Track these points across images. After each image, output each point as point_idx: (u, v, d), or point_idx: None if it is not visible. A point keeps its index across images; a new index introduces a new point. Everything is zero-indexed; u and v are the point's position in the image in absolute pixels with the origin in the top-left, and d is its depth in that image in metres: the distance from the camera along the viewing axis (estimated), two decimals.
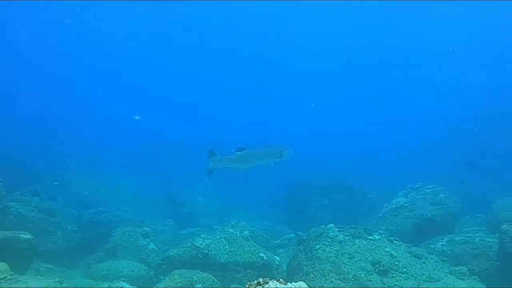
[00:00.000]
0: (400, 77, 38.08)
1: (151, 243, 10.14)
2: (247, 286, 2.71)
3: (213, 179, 7.72)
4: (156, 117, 33.73)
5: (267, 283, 2.61)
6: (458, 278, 7.93)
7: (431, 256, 9.15)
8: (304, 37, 39.56)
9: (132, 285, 7.03)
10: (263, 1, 36.15)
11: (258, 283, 2.64)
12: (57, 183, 15.18)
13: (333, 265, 8.14)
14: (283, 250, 11.86)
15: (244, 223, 10.98)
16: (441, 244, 9.78)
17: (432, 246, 9.91)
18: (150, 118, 33.01)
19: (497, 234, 8.83)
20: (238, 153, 7.72)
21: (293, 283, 2.63)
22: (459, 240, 9.59)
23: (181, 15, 37.25)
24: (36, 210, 10.54)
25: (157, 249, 10.07)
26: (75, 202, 14.86)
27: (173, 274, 7.19)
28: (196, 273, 7.43)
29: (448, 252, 9.46)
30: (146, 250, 9.85)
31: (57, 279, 7.04)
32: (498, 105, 21.70)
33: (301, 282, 2.65)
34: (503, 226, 8.15)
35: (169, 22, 37.93)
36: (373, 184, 16.98)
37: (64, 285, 6.86)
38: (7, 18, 33.49)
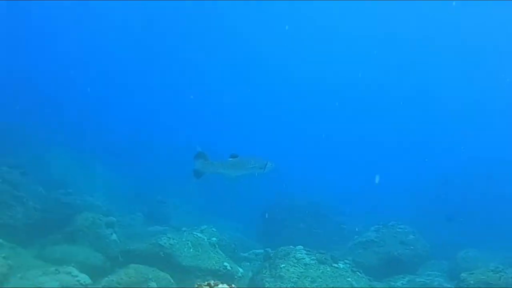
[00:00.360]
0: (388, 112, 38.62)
1: (114, 234, 9.88)
2: (197, 285, 2.70)
3: (200, 182, 7.57)
4: (148, 115, 33.52)
5: (217, 285, 2.60)
6: None
7: None
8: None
9: (83, 273, 6.81)
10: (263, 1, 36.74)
11: (209, 285, 2.63)
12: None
13: (294, 286, 8.14)
14: (248, 263, 11.77)
15: (214, 229, 10.85)
16: (401, 283, 9.90)
17: (393, 283, 10.01)
18: (141, 115, 32.77)
19: (455, 282, 9.00)
20: (230, 159, 7.65)
21: None
22: (419, 281, 9.74)
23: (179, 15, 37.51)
24: (1, 180, 10.19)
25: (118, 241, 9.80)
26: (47, 182, 14.50)
27: (129, 267, 7.05)
28: (153, 271, 7.30)
29: None
30: (107, 240, 9.56)
31: (3, 255, 6.76)
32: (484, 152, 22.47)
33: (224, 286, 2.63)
34: (462, 274, 8.35)
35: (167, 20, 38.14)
36: (349, 216, 17.11)
37: (9, 262, 6.60)
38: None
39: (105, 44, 40.45)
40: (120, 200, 16.58)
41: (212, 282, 2.65)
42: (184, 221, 15.69)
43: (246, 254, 12.22)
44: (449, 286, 9.46)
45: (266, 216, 14.05)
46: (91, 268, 8.08)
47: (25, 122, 20.11)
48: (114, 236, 9.97)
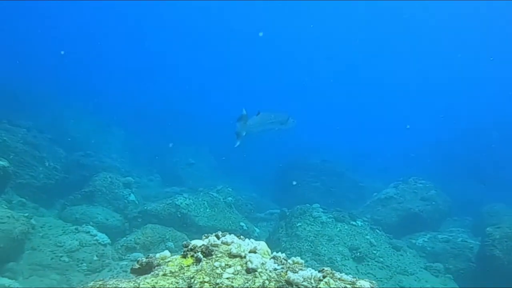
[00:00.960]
0: (405, 77, 37.33)
1: (132, 194, 9.95)
2: (204, 236, 2.51)
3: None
4: (165, 82, 33.18)
5: (225, 235, 2.40)
6: (432, 274, 7.87)
7: (410, 250, 9.08)
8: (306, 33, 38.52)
9: (103, 233, 6.88)
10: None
11: (217, 236, 2.43)
12: None
13: (311, 244, 8.05)
14: (265, 223, 11.76)
15: (230, 189, 10.82)
16: (423, 240, 9.66)
17: (414, 241, 9.79)
18: (159, 83, 32.43)
19: (480, 237, 8.71)
20: (255, 116, 7.47)
21: (252, 240, 2.40)
22: (441, 238, 9.47)
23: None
24: (21, 141, 10.25)
25: (136, 202, 9.89)
26: (67, 143, 14.63)
27: (146, 228, 7.06)
28: (170, 231, 7.31)
29: (428, 248, 9.34)
30: (125, 201, 9.66)
31: (26, 214, 6.86)
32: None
33: (263, 242, 2.41)
34: (488, 229, 8.02)
35: None
36: (366, 175, 16.75)
37: (32, 221, 6.70)
38: None
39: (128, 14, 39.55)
40: (138, 162, 16.73)
41: (220, 233, 2.46)
42: (200, 182, 15.76)
43: (262, 214, 12.21)
44: (473, 241, 9.17)
45: (294, 183, 13.73)
46: (110, 229, 8.20)
47: (45, 86, 20.13)
48: (132, 197, 10.04)
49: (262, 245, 2.32)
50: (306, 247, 7.99)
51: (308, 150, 17.25)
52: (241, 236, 2.45)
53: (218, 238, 2.41)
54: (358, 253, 7.89)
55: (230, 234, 2.39)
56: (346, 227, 8.61)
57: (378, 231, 8.90)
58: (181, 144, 18.76)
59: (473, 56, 33.41)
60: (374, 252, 8.06)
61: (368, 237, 8.45)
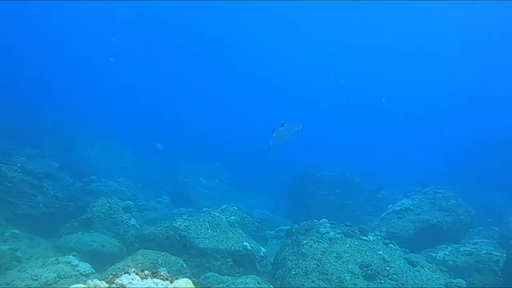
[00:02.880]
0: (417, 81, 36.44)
1: (132, 219, 9.70)
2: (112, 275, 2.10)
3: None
4: (168, 98, 33.61)
5: (119, 276, 1.98)
6: None
7: (429, 265, 8.32)
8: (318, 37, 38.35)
9: (99, 261, 6.59)
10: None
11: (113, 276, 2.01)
12: None
13: (318, 263, 7.48)
14: (275, 241, 11.26)
15: (235, 208, 10.41)
16: (444, 253, 8.90)
17: (434, 254, 9.05)
18: (163, 99, 32.91)
19: (506, 249, 7.90)
20: (281, 128, 7.67)
21: (162, 281, 1.98)
22: (464, 251, 8.67)
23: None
24: (19, 170, 10.27)
25: (137, 226, 9.61)
26: (75, 169, 14.73)
27: (136, 254, 6.72)
28: (163, 256, 6.92)
29: (450, 262, 8.58)
30: (125, 226, 9.41)
31: (13, 246, 6.68)
32: None
33: (185, 280, 2.00)
34: None
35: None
36: (383, 186, 16.00)
37: (18, 253, 6.50)
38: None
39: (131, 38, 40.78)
40: (148, 184, 16.67)
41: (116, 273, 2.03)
42: (211, 201, 15.48)
43: (273, 232, 11.71)
44: (499, 253, 8.33)
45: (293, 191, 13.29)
46: (107, 255, 7.91)
47: (54, 113, 20.64)
48: (132, 221, 9.79)
49: (180, 284, 1.88)
50: (313, 266, 7.43)
51: (319, 162, 16.70)
52: (163, 274, 2.00)
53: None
54: (370, 271, 7.25)
55: (131, 273, 1.95)
56: (356, 242, 8.01)
57: (392, 245, 8.24)
58: (192, 162, 18.63)
59: (493, 59, 32.28)
60: (388, 268, 7.39)
61: (380, 252, 7.80)
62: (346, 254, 7.66)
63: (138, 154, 20.04)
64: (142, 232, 8.39)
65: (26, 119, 18.03)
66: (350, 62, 38.49)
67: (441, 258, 8.75)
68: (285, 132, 7.75)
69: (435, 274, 7.64)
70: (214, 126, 25.81)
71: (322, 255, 7.64)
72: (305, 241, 8.04)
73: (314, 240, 8.04)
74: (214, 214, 9.18)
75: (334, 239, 8.04)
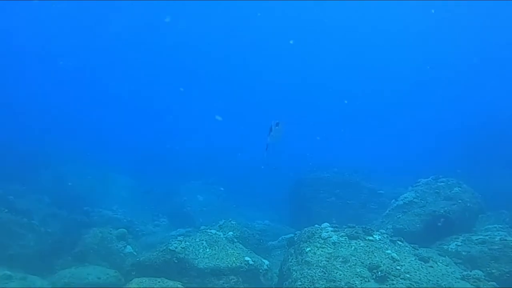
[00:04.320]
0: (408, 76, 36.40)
1: (128, 246, 9.26)
2: None
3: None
4: (155, 118, 33.27)
5: None
6: (472, 284, 6.65)
7: (442, 258, 7.89)
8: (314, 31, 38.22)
9: None
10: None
11: None
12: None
13: (324, 270, 7.03)
14: (279, 251, 10.80)
15: (234, 223, 9.97)
16: (456, 244, 8.46)
17: (445, 247, 8.60)
18: (148, 119, 32.56)
19: None
20: (277, 127, 7.52)
21: None
22: (477, 239, 8.25)
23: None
24: (6, 210, 9.85)
25: (134, 253, 9.19)
26: (67, 201, 14.29)
27: (131, 283, 6.28)
28: (159, 282, 6.48)
29: (463, 253, 8.14)
30: (121, 254, 8.98)
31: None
32: None
33: None
34: None
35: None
36: (384, 181, 15.61)
37: None
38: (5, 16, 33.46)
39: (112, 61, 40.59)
40: (144, 208, 16.19)
41: None
42: (211, 217, 15.02)
43: (275, 242, 11.26)
44: None
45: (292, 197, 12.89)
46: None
47: (43, 145, 20.18)
48: (128, 249, 9.34)
49: None
50: (319, 274, 6.98)
51: (315, 165, 16.34)
52: None
53: None
54: (380, 272, 6.81)
55: None
56: (362, 244, 7.58)
57: (400, 242, 7.82)
58: (187, 181, 18.22)
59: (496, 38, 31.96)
60: (398, 268, 6.95)
61: (388, 251, 7.38)
62: (353, 257, 7.22)
63: (132, 178, 19.60)
64: (138, 259, 7.94)
65: (13, 153, 17.56)
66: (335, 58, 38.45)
67: (453, 250, 8.31)
68: (280, 131, 7.57)
69: (450, 267, 7.21)
70: (205, 141, 25.45)
71: (328, 261, 7.20)
72: (308, 249, 7.60)
73: (317, 247, 7.61)
74: (211, 232, 8.75)
75: (338, 243, 7.62)
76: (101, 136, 25.92)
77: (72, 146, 22.04)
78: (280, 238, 11.46)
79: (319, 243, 7.71)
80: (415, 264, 7.09)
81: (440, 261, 7.55)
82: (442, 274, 6.90)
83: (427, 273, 6.85)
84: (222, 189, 18.57)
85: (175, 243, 8.03)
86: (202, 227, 10.46)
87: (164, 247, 8.06)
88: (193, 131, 28.50)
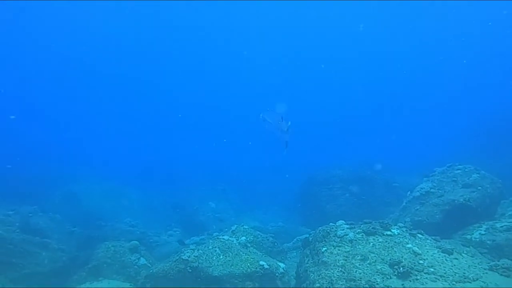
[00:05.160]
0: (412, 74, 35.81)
1: (142, 258, 9.10)
2: None
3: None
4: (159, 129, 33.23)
5: None
6: (501, 275, 6.28)
7: (467, 249, 7.53)
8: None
9: None
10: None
11: None
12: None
13: (342, 270, 6.74)
14: (295, 253, 10.53)
15: (246, 227, 9.72)
16: (479, 233, 8.09)
17: (469, 237, 8.24)
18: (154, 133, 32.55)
19: None
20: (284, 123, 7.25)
21: None
22: (501, 226, 7.86)
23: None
24: (18, 231, 9.81)
25: (148, 264, 9.02)
26: (80, 217, 14.28)
27: None
28: None
29: (488, 242, 7.76)
30: (135, 267, 8.82)
31: None
32: None
33: None
34: None
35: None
36: (398, 172, 15.21)
37: None
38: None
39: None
40: (157, 220, 16.07)
41: None
42: (224, 223, 14.88)
43: (290, 244, 10.98)
44: None
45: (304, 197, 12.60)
46: None
47: (51, 165, 20.27)
48: (142, 261, 9.18)
49: None
50: (337, 274, 6.68)
51: (325, 162, 16.01)
52: None
53: None
54: (401, 268, 6.48)
55: None
56: (380, 239, 7.26)
57: (420, 235, 7.47)
58: (197, 189, 18.07)
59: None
60: (421, 262, 6.62)
61: (409, 245, 7.05)
62: (372, 254, 6.91)
63: (143, 191, 19.56)
64: (151, 271, 7.77)
65: (24, 175, 17.67)
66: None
67: (477, 239, 7.94)
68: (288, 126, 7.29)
69: (476, 258, 6.84)
70: (211, 148, 25.31)
71: (345, 260, 6.90)
72: (324, 248, 7.31)
73: (333, 246, 7.32)
74: (223, 239, 8.52)
75: (355, 240, 7.31)
76: (109, 151, 25.99)
77: (81, 164, 22.12)
78: (295, 239, 11.18)
79: (335, 241, 7.41)
80: (439, 257, 6.75)
81: (465, 252, 7.18)
82: (469, 265, 6.55)
83: (452, 266, 6.51)
84: (233, 194, 18.37)
85: (188, 252, 7.83)
86: (215, 234, 10.26)
87: (177, 257, 7.87)
88: (198, 138, 28.41)
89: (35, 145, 24.25)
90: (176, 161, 23.16)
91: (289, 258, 10.14)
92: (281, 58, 39.69)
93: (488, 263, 6.65)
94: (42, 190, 16.88)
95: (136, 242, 9.69)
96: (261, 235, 9.78)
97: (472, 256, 6.98)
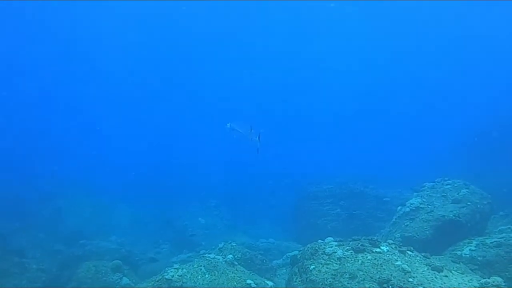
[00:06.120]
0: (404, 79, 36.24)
1: (124, 278, 8.80)
2: None
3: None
4: (149, 142, 32.74)
5: None
6: None
7: (457, 265, 7.41)
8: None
9: None
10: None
11: None
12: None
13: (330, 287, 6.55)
14: (284, 270, 10.28)
15: (234, 244, 9.51)
16: (469, 249, 7.97)
17: (459, 253, 8.12)
18: (144, 145, 32.05)
19: None
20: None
21: None
22: (491, 242, 7.76)
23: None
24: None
25: (132, 284, 8.72)
26: (65, 235, 13.90)
27: None
28: None
29: (479, 258, 7.65)
30: (118, 287, 8.51)
31: None
32: None
33: None
34: None
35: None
36: (387, 186, 15.14)
37: None
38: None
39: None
40: (145, 236, 15.70)
41: None
42: (214, 240, 14.50)
43: (280, 261, 10.74)
44: None
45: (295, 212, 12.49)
46: None
47: (35, 180, 19.80)
48: (125, 280, 8.88)
49: None
50: None
51: (316, 176, 15.89)
52: None
53: None
54: (390, 286, 6.31)
55: None
56: (369, 257, 7.09)
57: (409, 252, 7.32)
58: (188, 205, 17.78)
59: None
60: (410, 280, 6.45)
61: (398, 263, 6.88)
62: (361, 272, 6.73)
63: (133, 206, 19.17)
64: None
65: (10, 192, 17.23)
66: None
67: (467, 256, 7.82)
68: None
69: (466, 276, 6.69)
70: (201, 162, 24.94)
71: (334, 278, 6.71)
72: (312, 266, 7.12)
73: (321, 264, 7.12)
74: (209, 257, 8.29)
75: (344, 257, 7.13)
76: (94, 167, 25.44)
77: (70, 179, 21.67)
78: (285, 256, 10.96)
79: (323, 259, 7.23)
80: (428, 275, 6.59)
81: (455, 269, 7.05)
82: (458, 283, 6.39)
83: (442, 284, 6.34)
84: (224, 209, 18.10)
85: (171, 272, 7.57)
86: (202, 251, 10.01)
87: (160, 277, 7.60)
88: (188, 152, 28.13)
89: (22, 159, 23.78)
90: (169, 172, 22.85)
91: (278, 275, 9.90)
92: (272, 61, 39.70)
93: (479, 281, 6.50)
94: (29, 207, 16.47)
95: (119, 261, 9.39)
96: (249, 252, 9.56)
97: (462, 273, 6.83)
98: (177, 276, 7.51)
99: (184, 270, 7.73)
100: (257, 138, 7.21)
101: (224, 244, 9.52)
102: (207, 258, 8.21)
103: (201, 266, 7.96)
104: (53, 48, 34.80)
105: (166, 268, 7.83)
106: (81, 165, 24.39)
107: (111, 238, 13.38)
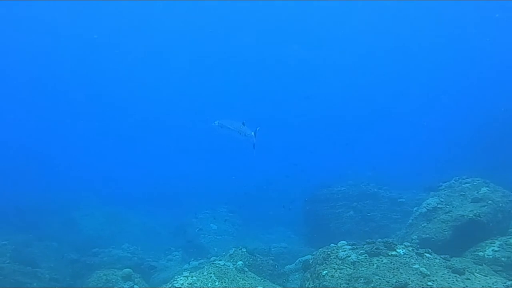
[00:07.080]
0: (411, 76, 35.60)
1: (135, 286, 8.66)
2: None
3: None
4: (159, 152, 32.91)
5: None
6: None
7: (479, 267, 7.01)
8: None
9: None
10: None
11: None
12: None
13: None
14: (297, 275, 9.99)
15: (244, 250, 9.27)
16: (492, 250, 7.56)
17: (481, 254, 7.70)
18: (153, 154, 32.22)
19: None
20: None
21: None
22: None
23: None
24: (8, 261, 9.48)
25: None
26: (78, 244, 13.90)
27: None
28: None
29: (503, 259, 7.24)
30: None
31: None
32: None
33: None
34: None
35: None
36: (401, 187, 14.69)
37: None
38: None
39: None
40: (157, 244, 15.60)
41: None
42: (226, 246, 14.33)
43: (292, 265, 10.44)
44: None
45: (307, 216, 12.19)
46: None
47: (48, 191, 19.98)
48: None
49: None
50: None
51: (328, 179, 15.54)
52: None
53: None
54: None
55: None
56: (384, 260, 6.77)
57: (428, 254, 6.97)
58: (199, 211, 17.64)
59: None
60: (430, 284, 6.10)
61: (416, 266, 6.54)
62: (376, 277, 6.41)
63: (146, 214, 19.18)
64: None
65: (19, 203, 17.39)
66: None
67: (490, 256, 7.41)
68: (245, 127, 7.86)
69: (490, 278, 6.31)
70: (211, 169, 24.90)
71: (348, 283, 6.42)
72: (325, 272, 6.83)
73: (334, 268, 6.83)
74: (219, 264, 8.08)
75: (358, 262, 6.83)
76: (109, 175, 25.65)
77: (82, 190, 21.82)
78: (297, 261, 10.66)
79: (336, 264, 6.93)
80: (449, 278, 6.23)
81: (477, 271, 6.66)
82: (482, 286, 6.01)
83: (464, 287, 5.98)
84: (236, 214, 17.90)
85: (181, 280, 7.38)
86: (212, 258, 9.81)
87: (170, 285, 7.41)
88: (197, 160, 28.10)
89: (35, 171, 24.10)
90: (180, 181, 22.84)
91: (291, 281, 9.62)
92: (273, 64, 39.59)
93: (504, 283, 6.11)
94: (43, 218, 16.60)
95: (129, 270, 9.27)
96: (260, 258, 9.31)
97: (485, 276, 6.44)
98: (186, 284, 7.31)
99: (194, 278, 7.52)
100: (253, 133, 7.20)
101: (235, 250, 9.30)
102: (217, 265, 8.00)
103: (211, 273, 7.75)
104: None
105: (176, 276, 7.64)
106: (94, 176, 24.58)
107: (124, 246, 13.31)
